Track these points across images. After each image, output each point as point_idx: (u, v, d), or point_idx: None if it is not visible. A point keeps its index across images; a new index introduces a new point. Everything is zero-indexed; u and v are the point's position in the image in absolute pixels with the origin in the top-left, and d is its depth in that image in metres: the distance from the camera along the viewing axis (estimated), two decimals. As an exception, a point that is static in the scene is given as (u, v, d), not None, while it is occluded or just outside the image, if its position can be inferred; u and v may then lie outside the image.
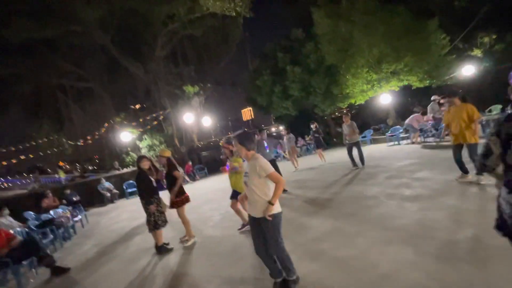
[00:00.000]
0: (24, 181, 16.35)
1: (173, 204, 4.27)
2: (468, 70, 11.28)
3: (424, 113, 10.16)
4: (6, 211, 6.23)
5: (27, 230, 5.56)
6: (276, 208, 2.38)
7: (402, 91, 13.62)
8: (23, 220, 6.90)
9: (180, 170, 13.09)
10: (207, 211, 6.32)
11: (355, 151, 7.52)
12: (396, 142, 11.21)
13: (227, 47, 16.80)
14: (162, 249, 4.21)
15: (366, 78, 12.35)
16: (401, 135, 11.27)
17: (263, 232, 2.44)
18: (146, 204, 4.12)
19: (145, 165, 4.25)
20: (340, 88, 13.53)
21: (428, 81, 11.88)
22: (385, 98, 12.95)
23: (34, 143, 17.48)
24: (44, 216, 6.91)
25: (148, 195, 4.15)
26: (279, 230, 2.42)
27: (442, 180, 4.92)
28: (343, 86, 13.27)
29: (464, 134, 4.37)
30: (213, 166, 16.67)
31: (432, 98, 9.80)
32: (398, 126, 11.98)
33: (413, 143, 10.07)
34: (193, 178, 13.63)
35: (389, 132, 11.94)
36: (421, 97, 16.97)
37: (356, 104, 14.52)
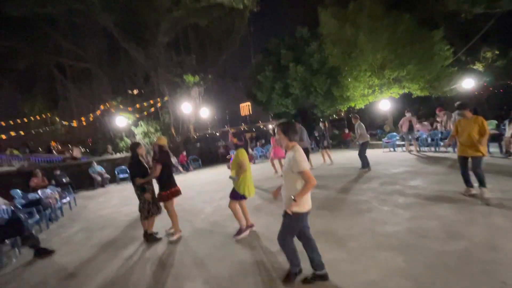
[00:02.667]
0: (13, 158, 15.97)
1: (161, 197, 4.10)
2: (468, 84, 11.34)
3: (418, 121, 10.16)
4: (-8, 188, 6.07)
5: (12, 208, 5.42)
6: (301, 208, 2.34)
7: (402, 98, 13.65)
8: (9, 198, 6.74)
9: (174, 159, 12.84)
10: (199, 203, 6.26)
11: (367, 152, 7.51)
12: (392, 149, 11.28)
13: (231, 40, 16.55)
14: (151, 238, 4.15)
15: (367, 82, 12.32)
16: (397, 142, 11.33)
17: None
18: (141, 191, 4.04)
19: (141, 152, 4.20)
20: (341, 90, 13.47)
21: (428, 91, 11.92)
22: (385, 104, 12.97)
23: (25, 120, 17.09)
24: (32, 196, 6.76)
25: (144, 183, 4.07)
26: (293, 229, 2.44)
27: (435, 189, 4.95)
28: (344, 88, 13.23)
29: (472, 147, 4.23)
30: (207, 158, 16.59)
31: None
32: (394, 133, 12.04)
33: (410, 151, 9.97)
34: (187, 169, 13.52)
35: (386, 138, 12.00)
36: (419, 106, 17.10)
37: (355, 107, 14.52)
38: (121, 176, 11.85)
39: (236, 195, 3.78)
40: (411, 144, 10.01)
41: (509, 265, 2.42)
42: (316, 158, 9.97)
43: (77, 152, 14.34)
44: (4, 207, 5.29)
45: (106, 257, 3.88)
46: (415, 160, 8.43)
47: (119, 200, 7.89)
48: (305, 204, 2.38)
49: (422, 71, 11.21)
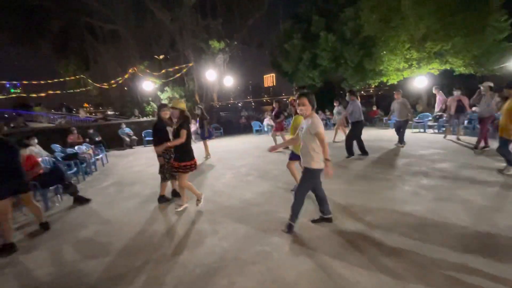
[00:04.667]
0: (52, 116, 17.32)
1: (176, 168, 3.77)
2: (523, 62, 10.04)
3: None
4: (35, 140, 6.69)
5: (54, 159, 5.99)
6: (318, 165, 2.75)
7: (441, 75, 12.50)
8: (50, 151, 7.43)
9: (193, 127, 12.96)
10: (219, 169, 6.49)
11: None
12: (422, 130, 10.66)
13: (259, 3, 15.69)
14: (162, 199, 4.37)
15: (405, 55, 11.32)
16: (429, 123, 10.65)
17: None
18: (157, 155, 4.18)
19: (165, 114, 4.19)
20: (374, 64, 12.57)
21: (473, 68, 10.74)
22: (421, 81, 11.98)
23: (61, 80, 18.10)
24: (69, 150, 7.39)
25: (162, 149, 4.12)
26: (311, 183, 2.88)
27: (464, 174, 4.70)
28: (378, 61, 12.31)
29: (501, 126, 4.33)
30: (228, 127, 16.83)
31: None
32: (427, 113, 11.27)
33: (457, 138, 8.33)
34: (209, 137, 13.84)
35: (417, 118, 11.30)
36: (460, 86, 15.58)
37: (387, 83, 13.60)
38: (148, 138, 12.47)
39: (294, 156, 4.06)
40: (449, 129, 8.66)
41: (535, 253, 2.32)
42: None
43: (82, 113, 15.53)
44: (47, 158, 5.87)
45: (134, 209, 4.25)
46: (446, 142, 7.94)
47: (145, 161, 8.40)
48: (321, 162, 2.74)
49: (470, 45, 10.01)
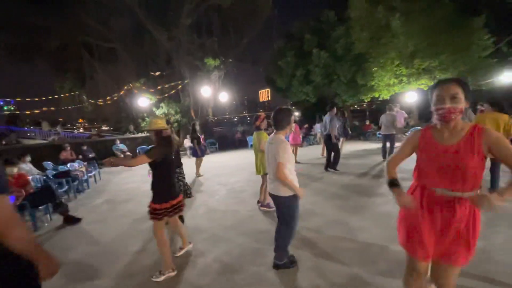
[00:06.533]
0: (45, 132, 17.18)
1: (153, 212, 2.72)
2: (508, 77, 10.44)
3: None
4: (28, 158, 6.59)
5: (44, 178, 5.88)
6: (287, 191, 2.45)
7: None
8: (42, 169, 7.30)
9: (187, 142, 12.46)
10: (214, 185, 6.44)
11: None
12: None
13: (254, 22, 16.26)
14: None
15: (395, 72, 11.72)
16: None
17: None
18: None
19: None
20: (366, 79, 12.96)
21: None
22: (411, 96, 12.33)
23: (56, 97, 18.12)
24: (61, 167, 7.28)
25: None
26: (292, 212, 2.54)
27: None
28: (369, 77, 12.70)
29: None
30: (224, 142, 16.86)
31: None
32: (419, 127, 11.48)
33: None
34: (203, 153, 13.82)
35: (409, 132, 11.50)
36: (485, 101, 16.02)
37: (379, 98, 13.93)
38: (142, 154, 12.39)
39: None
40: None
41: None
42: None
43: (45, 125, 16.26)
44: (37, 176, 5.75)
45: (128, 228, 4.14)
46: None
47: (140, 177, 8.28)
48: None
49: (457, 61, 10.45)
